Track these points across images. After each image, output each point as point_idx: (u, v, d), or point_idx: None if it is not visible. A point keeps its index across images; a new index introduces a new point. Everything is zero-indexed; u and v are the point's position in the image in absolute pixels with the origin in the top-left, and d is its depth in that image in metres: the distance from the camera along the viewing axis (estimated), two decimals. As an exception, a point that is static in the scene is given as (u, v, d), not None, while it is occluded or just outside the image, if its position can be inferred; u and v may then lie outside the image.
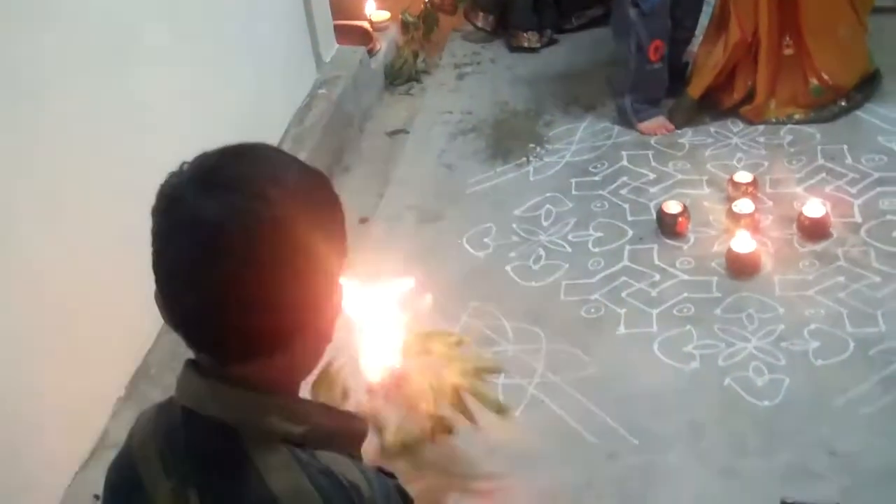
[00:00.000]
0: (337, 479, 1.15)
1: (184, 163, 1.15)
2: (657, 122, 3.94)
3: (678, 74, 4.05)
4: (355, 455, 1.25)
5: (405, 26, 4.70)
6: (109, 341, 2.62)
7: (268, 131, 3.66)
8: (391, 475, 1.32)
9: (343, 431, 1.24)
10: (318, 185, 1.19)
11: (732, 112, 3.91)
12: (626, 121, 3.98)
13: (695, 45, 4.10)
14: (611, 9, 4.25)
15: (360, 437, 1.28)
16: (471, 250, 3.42)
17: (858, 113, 3.85)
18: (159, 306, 1.15)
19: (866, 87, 3.90)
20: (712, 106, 3.95)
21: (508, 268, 3.32)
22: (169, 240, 1.12)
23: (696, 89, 3.92)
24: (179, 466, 1.18)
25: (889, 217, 3.30)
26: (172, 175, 1.14)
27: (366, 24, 4.64)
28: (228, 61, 3.34)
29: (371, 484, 1.19)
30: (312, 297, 1.16)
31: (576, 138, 3.95)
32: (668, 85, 4.00)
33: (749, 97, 3.87)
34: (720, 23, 3.85)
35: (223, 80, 3.29)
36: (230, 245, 1.08)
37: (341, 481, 1.15)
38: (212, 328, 1.13)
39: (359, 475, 1.18)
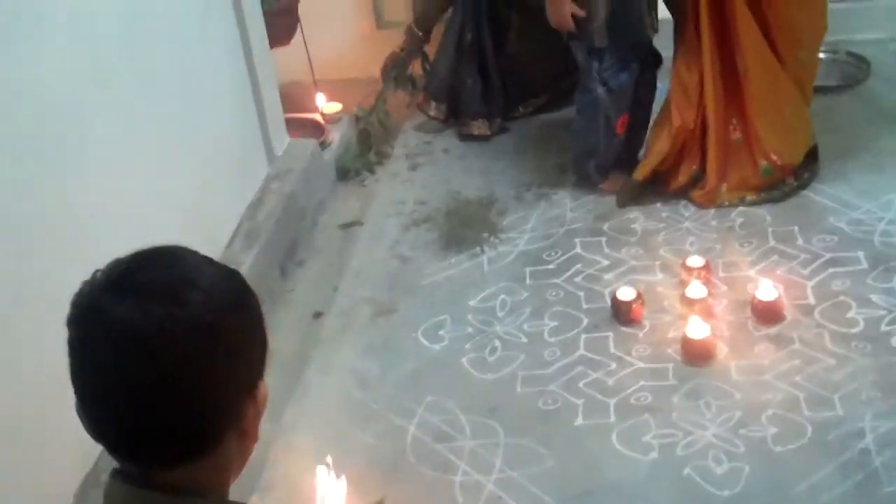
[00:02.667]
0: None
1: (97, 271, 1.15)
2: (618, 181, 4.06)
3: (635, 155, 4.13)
4: None
5: (357, 120, 4.70)
6: (58, 447, 2.55)
7: (219, 227, 3.64)
8: None
9: None
10: (234, 284, 1.20)
11: (684, 195, 3.94)
12: (588, 182, 4.12)
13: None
14: (554, 97, 4.53)
15: None
16: (426, 343, 3.39)
17: (808, 193, 3.88)
18: (81, 418, 1.14)
19: (811, 163, 3.95)
20: (659, 187, 3.98)
21: (464, 360, 3.28)
22: (86, 350, 1.12)
23: (640, 173, 3.96)
24: None
25: (842, 298, 3.31)
26: (86, 284, 1.14)
27: (317, 117, 4.66)
28: (178, 158, 3.31)
29: None
30: (235, 397, 1.16)
31: (529, 226, 3.94)
32: (626, 159, 4.11)
33: (695, 181, 3.91)
34: (668, 109, 3.91)
35: (172, 177, 3.25)
36: (149, 352, 1.08)
37: None
38: (135, 437, 1.12)
39: None
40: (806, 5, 3.80)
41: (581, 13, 3.74)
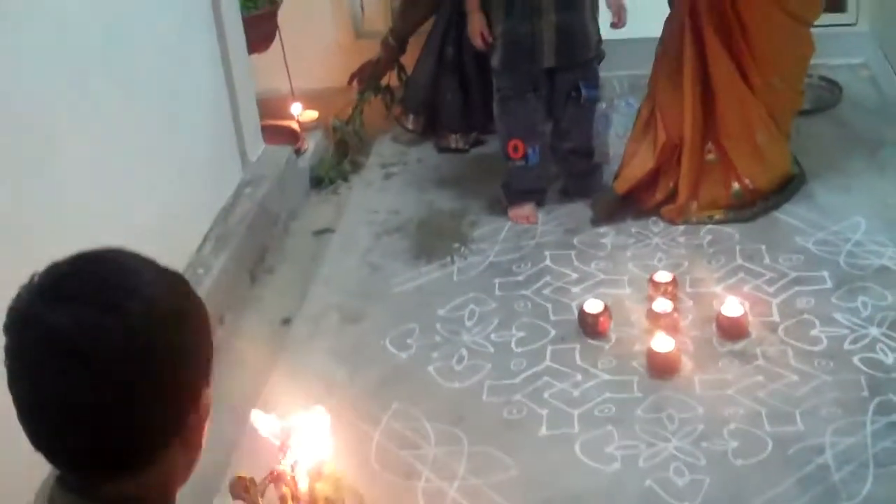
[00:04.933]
0: None
1: (34, 275, 1.11)
2: (521, 211, 4.08)
3: (587, 176, 4.19)
4: None
5: (334, 130, 4.71)
6: (18, 452, 2.54)
7: (190, 231, 3.64)
8: None
9: None
10: (177, 292, 1.15)
11: (654, 212, 3.97)
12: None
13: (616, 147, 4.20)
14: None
15: None
16: (393, 351, 3.40)
17: (776, 213, 3.93)
18: (22, 427, 1.11)
19: (786, 189, 4.00)
20: (633, 204, 4.01)
21: (431, 368, 3.29)
22: (20, 359, 1.07)
23: (622, 185, 3.98)
24: None
25: (806, 316, 3.35)
26: (23, 288, 1.10)
27: (293, 124, 4.67)
28: (150, 160, 3.31)
29: None
30: (175, 409, 1.13)
31: (500, 238, 3.97)
32: (576, 185, 4.17)
33: (670, 197, 3.94)
34: (648, 123, 3.95)
35: (145, 180, 3.26)
36: (82, 362, 1.04)
37: None
38: (72, 448, 1.09)
39: None
40: (781, 33, 3.85)
41: (487, 34, 3.88)
